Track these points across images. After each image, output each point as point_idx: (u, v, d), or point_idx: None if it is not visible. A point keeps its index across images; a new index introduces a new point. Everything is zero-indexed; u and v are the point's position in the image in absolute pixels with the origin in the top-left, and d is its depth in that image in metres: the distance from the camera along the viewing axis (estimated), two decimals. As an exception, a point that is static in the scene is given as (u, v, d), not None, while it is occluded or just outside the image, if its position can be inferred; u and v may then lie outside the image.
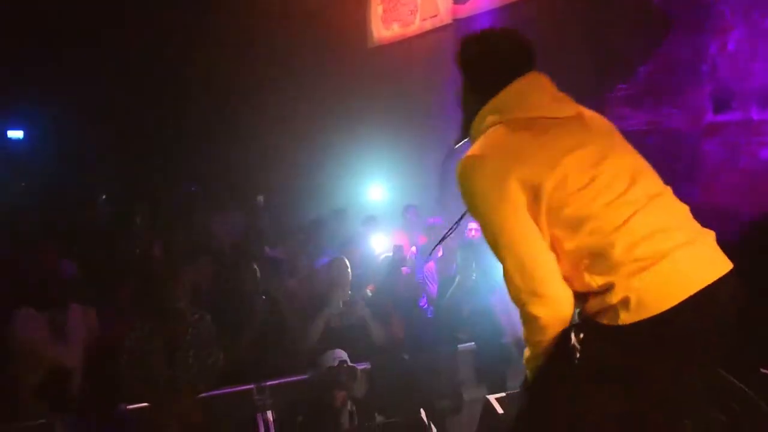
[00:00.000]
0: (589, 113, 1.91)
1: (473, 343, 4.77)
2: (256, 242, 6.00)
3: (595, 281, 1.71)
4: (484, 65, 1.93)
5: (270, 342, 4.44)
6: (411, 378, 4.36)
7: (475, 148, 1.82)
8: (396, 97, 8.89)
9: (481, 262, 5.06)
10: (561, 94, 1.89)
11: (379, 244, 5.84)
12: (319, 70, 9.29)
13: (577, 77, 6.82)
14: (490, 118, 1.86)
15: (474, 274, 5.00)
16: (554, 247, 1.76)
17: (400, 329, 4.62)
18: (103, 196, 8.81)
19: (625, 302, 1.66)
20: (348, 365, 3.87)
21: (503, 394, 3.47)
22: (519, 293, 1.79)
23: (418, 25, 8.93)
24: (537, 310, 1.77)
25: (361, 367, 4.12)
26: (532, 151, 1.76)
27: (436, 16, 8.60)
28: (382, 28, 9.57)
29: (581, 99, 2.00)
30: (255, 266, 4.72)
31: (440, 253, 5.91)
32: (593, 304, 1.74)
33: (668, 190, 1.85)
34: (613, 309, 1.69)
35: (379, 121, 8.85)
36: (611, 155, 1.79)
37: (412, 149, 8.31)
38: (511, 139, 1.80)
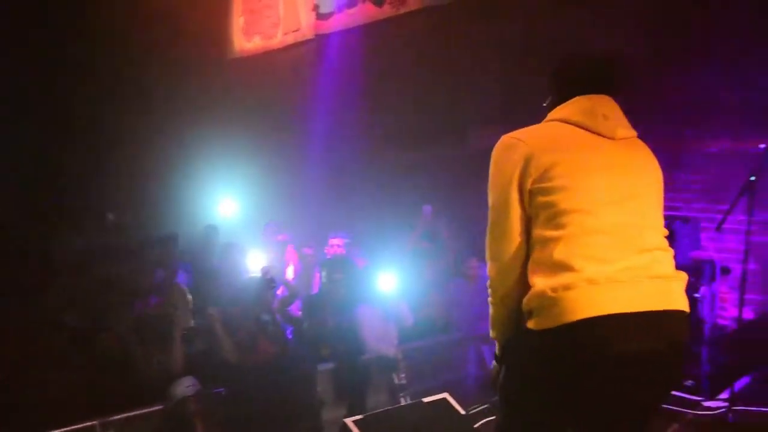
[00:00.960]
0: (641, 147, 2.08)
1: (333, 362, 4.73)
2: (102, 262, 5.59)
3: (532, 272, 1.92)
4: (559, 80, 2.15)
5: (114, 373, 4.13)
6: (268, 401, 4.23)
7: (518, 131, 2.02)
8: (255, 110, 8.73)
9: (346, 278, 5.06)
10: (619, 118, 2.05)
11: (245, 262, 5.63)
12: (176, 81, 8.91)
13: (433, 96, 7.12)
14: (548, 117, 2.11)
15: (339, 290, 4.98)
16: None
17: (266, 350, 4.47)
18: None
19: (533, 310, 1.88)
20: (200, 393, 3.69)
21: (360, 417, 3.44)
22: (488, 253, 2.03)
23: (280, 38, 8.84)
24: (490, 271, 2.02)
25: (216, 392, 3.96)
26: (551, 139, 1.98)
27: (298, 30, 8.56)
28: (244, 40, 9.37)
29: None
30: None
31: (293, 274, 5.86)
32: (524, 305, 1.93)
33: (659, 229, 2.00)
34: (536, 312, 1.87)
35: (239, 134, 8.64)
36: (618, 175, 1.95)
37: (268, 164, 8.19)
38: (542, 130, 2.06)
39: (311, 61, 8.45)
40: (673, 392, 4.47)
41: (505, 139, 2.02)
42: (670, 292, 1.91)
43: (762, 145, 3.79)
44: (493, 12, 6.62)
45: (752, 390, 4.23)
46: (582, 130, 1.99)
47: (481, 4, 6.74)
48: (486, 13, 6.67)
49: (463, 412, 3.84)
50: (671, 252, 2.00)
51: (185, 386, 3.88)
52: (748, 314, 4.61)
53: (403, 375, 4.75)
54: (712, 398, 4.39)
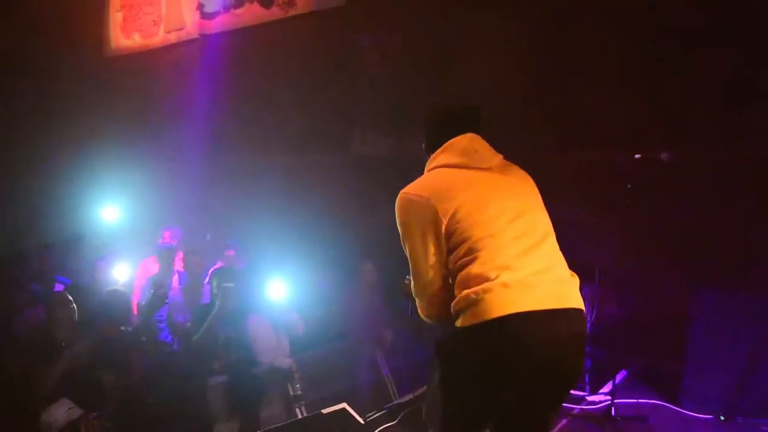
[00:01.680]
0: (511, 167, 2.48)
1: (225, 375, 4.57)
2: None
3: (456, 290, 2.28)
4: (431, 128, 2.53)
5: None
6: (158, 419, 4.02)
7: (408, 187, 2.40)
8: (137, 109, 8.32)
9: (238, 288, 4.90)
10: (487, 149, 2.45)
11: (121, 273, 5.33)
12: (50, 78, 8.32)
13: (319, 101, 7.08)
14: (429, 165, 2.48)
15: (231, 301, 4.80)
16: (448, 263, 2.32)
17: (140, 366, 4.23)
18: None
19: (460, 312, 2.25)
20: (85, 416, 3.45)
21: (259, 432, 3.35)
22: (413, 290, 2.43)
23: (162, 37, 8.44)
24: (422, 306, 2.43)
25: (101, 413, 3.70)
26: (445, 188, 2.33)
27: (182, 29, 8.22)
28: (122, 38, 8.87)
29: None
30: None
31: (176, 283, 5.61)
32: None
33: (551, 235, 2.38)
34: (456, 317, 2.26)
35: (118, 135, 8.19)
36: (505, 198, 2.34)
37: (151, 168, 7.82)
38: (434, 180, 2.41)
39: (196, 61, 8.16)
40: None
41: (408, 196, 2.36)
42: (568, 293, 2.29)
43: (637, 156, 4.05)
44: (378, 19, 6.68)
45: (630, 383, 4.51)
46: (464, 170, 2.38)
47: (367, 11, 6.77)
48: (372, 19, 6.71)
49: (362, 421, 3.83)
50: (562, 257, 2.38)
51: (65, 410, 3.61)
52: (622, 313, 4.91)
53: (298, 385, 4.66)
54: (594, 393, 4.64)
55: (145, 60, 8.58)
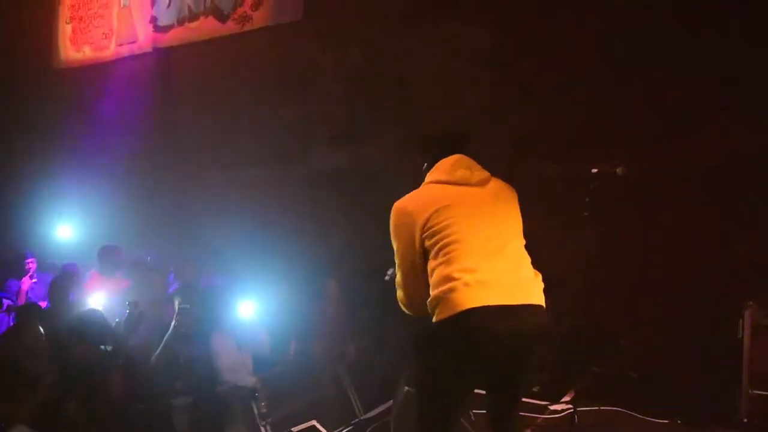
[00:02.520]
0: (493, 181, 2.82)
1: (188, 396, 4.49)
2: None
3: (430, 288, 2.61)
4: (425, 151, 2.92)
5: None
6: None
7: (400, 200, 2.77)
8: (88, 124, 8.14)
9: (201, 305, 4.82)
10: (473, 167, 2.80)
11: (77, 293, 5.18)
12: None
13: (276, 115, 7.06)
14: (424, 182, 2.86)
15: (188, 321, 4.72)
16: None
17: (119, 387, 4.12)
18: None
19: (434, 308, 2.57)
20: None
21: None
22: (398, 281, 2.79)
23: (113, 49, 8.31)
24: (399, 295, 2.80)
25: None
26: (427, 201, 2.70)
27: (134, 42, 8.11)
28: (71, 50, 8.68)
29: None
30: None
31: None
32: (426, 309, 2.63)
33: (517, 238, 2.73)
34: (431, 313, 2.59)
35: (69, 150, 8.01)
36: (477, 208, 2.69)
37: (102, 184, 7.65)
38: (420, 194, 2.79)
39: (149, 75, 8.04)
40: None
41: (398, 206, 2.74)
42: (529, 290, 2.62)
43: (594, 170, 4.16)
44: (334, 34, 6.71)
45: (590, 390, 4.61)
46: (447, 185, 2.75)
47: (323, 26, 6.79)
48: (328, 34, 6.74)
49: (331, 438, 3.83)
50: (528, 258, 2.72)
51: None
52: (583, 322, 5.03)
53: (263, 403, 4.61)
54: (556, 402, 4.72)
55: (97, 73, 8.42)
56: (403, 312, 2.83)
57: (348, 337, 5.41)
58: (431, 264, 2.63)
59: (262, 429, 4.56)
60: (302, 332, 5.40)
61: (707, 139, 4.58)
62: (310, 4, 6.81)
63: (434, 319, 2.57)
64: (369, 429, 4.53)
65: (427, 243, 2.64)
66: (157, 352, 4.58)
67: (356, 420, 4.84)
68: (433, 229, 2.62)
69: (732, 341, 4.34)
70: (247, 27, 7.32)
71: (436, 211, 2.65)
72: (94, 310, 4.55)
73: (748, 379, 4.22)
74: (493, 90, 5.47)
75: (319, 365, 5.26)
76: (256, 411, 4.62)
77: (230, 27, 7.40)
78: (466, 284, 2.51)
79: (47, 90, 8.52)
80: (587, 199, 4.13)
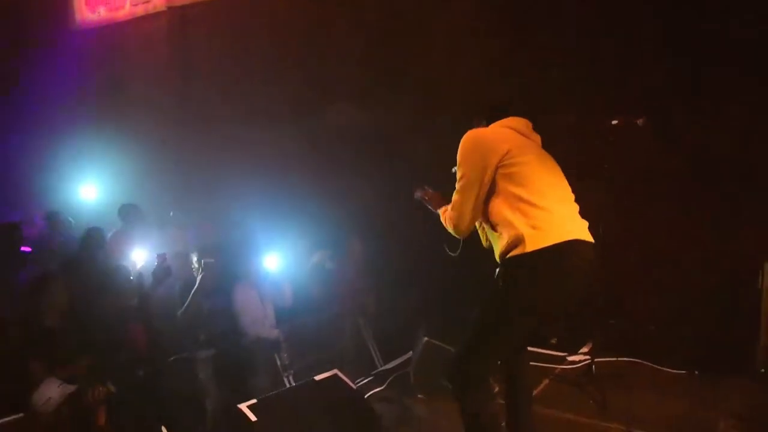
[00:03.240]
0: (539, 141, 3.03)
1: (211, 348, 4.60)
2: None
3: (516, 217, 2.69)
4: (492, 112, 3.09)
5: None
6: (150, 393, 4.04)
7: (477, 129, 2.93)
8: (105, 84, 8.17)
9: (220, 261, 4.90)
10: (531, 130, 3.02)
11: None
12: (16, 52, 8.10)
13: (297, 70, 7.02)
14: (494, 125, 3.01)
15: (212, 274, 4.80)
16: (497, 189, 2.78)
17: (137, 339, 4.25)
18: None
19: (528, 236, 2.63)
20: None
21: (254, 401, 3.39)
22: (452, 211, 2.91)
23: (128, 9, 8.28)
24: (451, 216, 2.91)
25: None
26: (507, 137, 2.86)
27: (148, 2, 8.07)
28: (87, 11, 8.66)
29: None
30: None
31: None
32: (506, 242, 2.70)
33: (570, 192, 2.89)
34: (521, 241, 2.63)
35: (89, 111, 8.05)
36: (542, 158, 2.90)
37: (124, 144, 7.70)
38: (498, 130, 2.95)
39: (164, 33, 8.01)
40: (539, 350, 4.86)
41: (477, 134, 2.87)
42: (587, 230, 2.79)
43: (614, 121, 4.13)
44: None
45: (608, 342, 4.65)
46: (517, 133, 2.93)
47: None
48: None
49: (353, 386, 3.91)
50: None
51: (56, 387, 3.60)
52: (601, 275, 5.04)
53: (285, 355, 4.72)
54: (574, 353, 4.78)
55: (112, 33, 8.41)
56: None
57: (367, 290, 5.48)
58: (508, 190, 2.74)
59: (285, 379, 4.67)
60: (325, 286, 5.48)
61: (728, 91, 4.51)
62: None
63: (527, 248, 2.61)
64: (389, 379, 4.62)
65: (504, 171, 2.75)
66: (185, 306, 4.68)
67: (376, 370, 4.94)
68: (513, 160, 2.75)
69: (751, 295, 4.35)
70: (262, -16, 7.24)
71: (517, 146, 2.80)
72: (118, 266, 4.65)
73: (766, 330, 4.25)
74: (508, 42, 5.40)
75: (339, 317, 5.35)
76: (278, 362, 4.73)
77: (245, -16, 7.33)
78: (561, 216, 2.68)
79: (64, 51, 8.52)
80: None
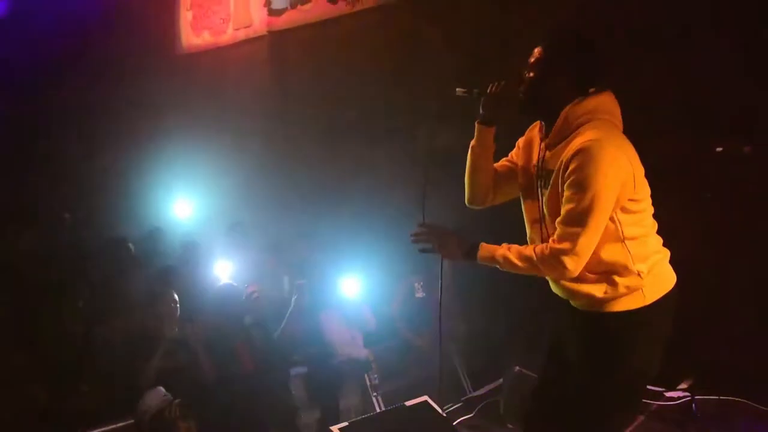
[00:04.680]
0: None
1: (305, 366, 4.73)
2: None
3: (634, 263, 2.26)
4: (596, 66, 2.35)
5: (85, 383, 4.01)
6: (244, 407, 4.20)
7: (601, 136, 2.19)
8: (208, 107, 8.56)
9: (310, 283, 5.03)
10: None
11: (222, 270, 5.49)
12: (124, 77, 8.65)
13: (386, 93, 7.13)
14: (595, 114, 2.28)
15: (306, 296, 4.94)
16: (610, 227, 2.24)
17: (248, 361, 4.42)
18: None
19: (648, 287, 2.27)
20: (181, 403, 3.65)
21: (346, 424, 3.46)
22: (575, 252, 2.20)
23: (230, 34, 8.66)
24: (571, 264, 2.22)
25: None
26: (631, 152, 2.26)
27: (249, 26, 8.41)
28: (192, 35, 9.15)
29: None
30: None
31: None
32: (615, 292, 2.27)
33: None
34: (640, 293, 2.27)
35: (190, 129, 8.46)
36: (639, 167, 2.31)
37: (222, 162, 8.05)
38: (620, 136, 2.29)
39: (263, 57, 8.33)
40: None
41: (612, 148, 2.18)
42: None
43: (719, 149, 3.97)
44: (444, 10, 6.67)
45: (710, 378, 4.43)
46: (619, 131, 2.33)
47: (433, 3, 6.77)
48: (438, 11, 6.71)
49: (443, 413, 3.91)
50: None
51: (160, 398, 3.81)
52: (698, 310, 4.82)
53: (375, 375, 4.79)
54: (672, 389, 4.59)
55: (215, 57, 8.83)
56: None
57: (457, 314, 5.48)
58: (622, 221, 2.24)
59: (374, 400, 4.74)
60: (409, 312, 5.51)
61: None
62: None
63: (647, 299, 2.27)
64: (479, 406, 4.60)
65: (628, 203, 2.23)
66: (282, 326, 4.83)
67: (465, 397, 4.93)
68: (639, 187, 2.26)
69: None
70: (358, 7, 7.40)
71: (633, 159, 2.24)
72: (230, 286, 4.81)
73: None
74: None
75: (428, 342, 5.37)
76: (368, 382, 4.81)
77: (341, 8, 7.52)
78: (666, 259, 2.38)
79: (170, 74, 9.01)
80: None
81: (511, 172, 2.62)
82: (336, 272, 5.21)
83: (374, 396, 4.77)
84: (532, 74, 2.35)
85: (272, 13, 8.13)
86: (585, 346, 2.39)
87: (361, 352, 4.89)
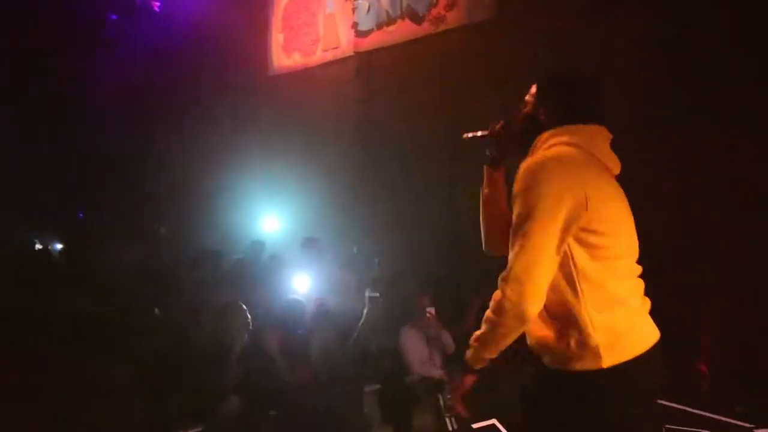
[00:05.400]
0: (616, 170, 2.16)
1: (377, 383, 4.78)
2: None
3: (587, 312, 1.93)
4: (579, 97, 2.13)
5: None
6: (317, 421, 4.30)
7: (549, 155, 2.02)
8: (296, 126, 8.86)
9: (387, 298, 5.09)
10: (613, 154, 2.14)
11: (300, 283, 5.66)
12: (218, 98, 9.11)
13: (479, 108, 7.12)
14: (561, 138, 2.06)
15: (378, 310, 4.99)
16: (562, 260, 1.95)
17: (308, 371, 4.53)
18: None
19: (605, 345, 1.91)
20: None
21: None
22: (510, 277, 1.94)
23: (319, 55, 8.95)
24: (510, 293, 1.92)
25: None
26: (591, 179, 1.98)
27: (337, 47, 8.66)
28: (283, 57, 9.51)
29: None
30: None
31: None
32: (567, 347, 1.94)
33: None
34: (593, 352, 1.91)
35: (279, 150, 8.78)
36: (630, 222, 2.08)
37: (308, 178, 8.29)
38: (579, 161, 2.02)
39: (350, 77, 8.55)
40: (721, 418, 4.44)
41: (554, 165, 1.98)
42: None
43: None
44: (529, 31, 6.62)
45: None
46: (594, 161, 2.06)
47: (517, 23, 6.74)
48: (523, 31, 6.67)
49: (509, 437, 3.87)
50: None
51: (236, 406, 3.98)
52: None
53: (449, 396, 4.77)
54: (764, 425, 4.32)
55: (304, 77, 9.14)
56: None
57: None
58: (586, 269, 1.95)
59: (447, 420, 4.72)
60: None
61: None
62: (500, 1, 6.81)
63: (604, 362, 1.90)
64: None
65: (583, 234, 1.94)
66: (352, 341, 4.92)
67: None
68: (600, 219, 1.95)
69: None
70: (442, 27, 7.48)
71: (599, 195, 1.96)
72: (295, 300, 4.97)
73: None
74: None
75: (506, 366, 5.29)
76: (442, 403, 4.80)
77: (425, 28, 7.62)
78: (639, 314, 2.02)
79: (263, 94, 9.41)
80: None
81: None
82: (416, 289, 5.25)
83: (447, 417, 4.75)
84: (526, 110, 2.24)
85: (359, 34, 8.34)
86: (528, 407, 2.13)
87: (436, 373, 4.89)
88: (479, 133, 2.35)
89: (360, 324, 4.92)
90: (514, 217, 1.98)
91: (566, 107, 2.11)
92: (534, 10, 6.56)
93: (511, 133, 2.24)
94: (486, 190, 2.35)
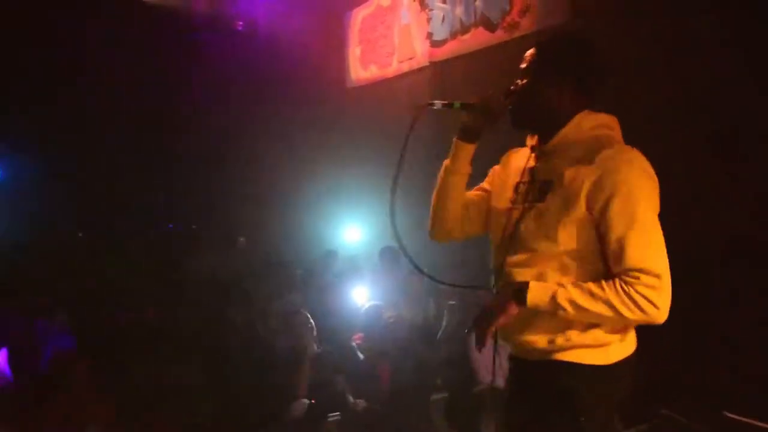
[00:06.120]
0: None
1: (445, 392, 4.80)
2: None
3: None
4: (595, 70, 2.07)
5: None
6: (382, 426, 4.38)
7: (635, 152, 1.96)
8: (374, 136, 9.00)
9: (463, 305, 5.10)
10: None
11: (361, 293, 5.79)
12: (298, 110, 9.41)
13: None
14: (604, 127, 2.02)
15: (456, 317, 5.02)
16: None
17: (386, 379, 4.63)
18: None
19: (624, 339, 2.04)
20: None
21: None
22: (662, 287, 1.86)
23: (395, 66, 9.07)
24: (662, 304, 1.88)
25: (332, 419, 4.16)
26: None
27: (413, 58, 8.75)
28: (361, 69, 9.71)
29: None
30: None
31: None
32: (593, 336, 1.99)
33: None
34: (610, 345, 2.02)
35: (358, 160, 8.95)
36: None
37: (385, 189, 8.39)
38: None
39: (425, 87, 8.61)
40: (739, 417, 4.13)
41: (650, 167, 1.96)
42: None
43: None
44: (604, 33, 6.45)
45: None
46: None
47: (592, 26, 6.59)
48: (598, 35, 6.50)
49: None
50: None
51: (304, 407, 4.13)
52: None
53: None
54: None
55: (381, 89, 9.29)
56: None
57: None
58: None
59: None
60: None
61: None
62: (574, 4, 6.69)
63: (614, 358, 2.02)
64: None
65: None
66: (435, 344, 4.95)
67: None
68: None
69: None
70: (516, 34, 7.40)
71: None
72: (375, 306, 5.06)
73: None
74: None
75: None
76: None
77: (499, 36, 7.57)
78: None
79: (342, 107, 9.64)
80: None
81: (484, 202, 2.31)
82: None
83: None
84: (525, 81, 2.10)
85: (434, 44, 8.39)
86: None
87: (504, 383, 4.85)
88: (456, 103, 2.25)
89: (440, 332, 4.97)
90: (638, 212, 1.88)
91: (587, 79, 2.04)
92: (607, 12, 6.40)
93: (498, 108, 2.15)
94: (451, 165, 2.26)
